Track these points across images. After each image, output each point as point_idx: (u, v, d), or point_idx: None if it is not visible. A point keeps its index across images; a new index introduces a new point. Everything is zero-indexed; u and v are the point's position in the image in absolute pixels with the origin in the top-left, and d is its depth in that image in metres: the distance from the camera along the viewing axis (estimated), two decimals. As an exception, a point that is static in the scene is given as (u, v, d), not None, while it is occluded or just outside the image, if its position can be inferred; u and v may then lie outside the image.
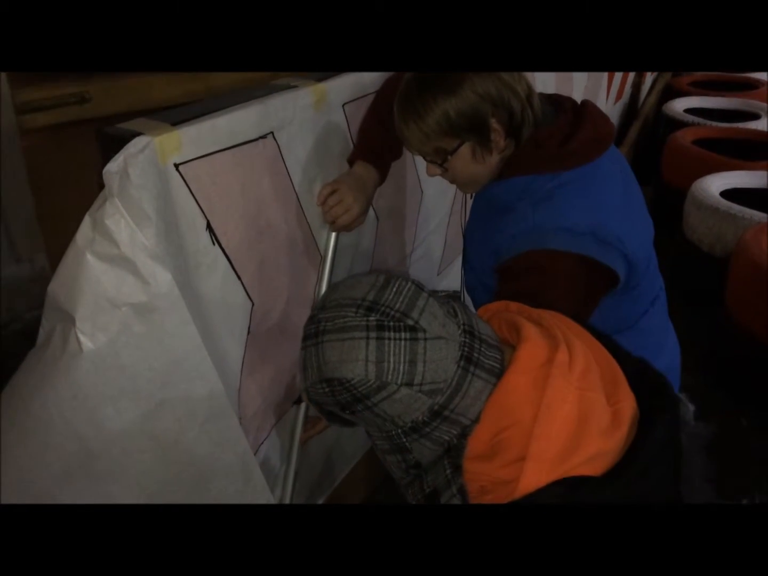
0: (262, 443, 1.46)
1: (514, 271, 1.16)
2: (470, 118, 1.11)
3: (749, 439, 2.49)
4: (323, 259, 1.43)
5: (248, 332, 1.29)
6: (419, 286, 0.86)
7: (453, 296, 0.92)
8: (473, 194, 1.38)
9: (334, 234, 1.41)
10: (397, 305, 0.82)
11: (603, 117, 1.23)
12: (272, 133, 1.22)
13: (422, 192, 1.92)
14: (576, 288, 1.14)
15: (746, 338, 2.61)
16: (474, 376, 0.83)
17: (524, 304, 1.00)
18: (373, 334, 0.80)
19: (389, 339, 0.80)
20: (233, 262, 1.19)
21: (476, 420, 0.84)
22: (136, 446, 1.08)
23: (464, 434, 0.84)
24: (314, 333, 0.84)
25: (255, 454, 1.39)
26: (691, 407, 1.62)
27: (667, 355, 1.43)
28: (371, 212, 1.64)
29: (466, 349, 0.83)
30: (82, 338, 0.96)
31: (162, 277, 0.98)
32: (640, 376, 0.89)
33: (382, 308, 0.82)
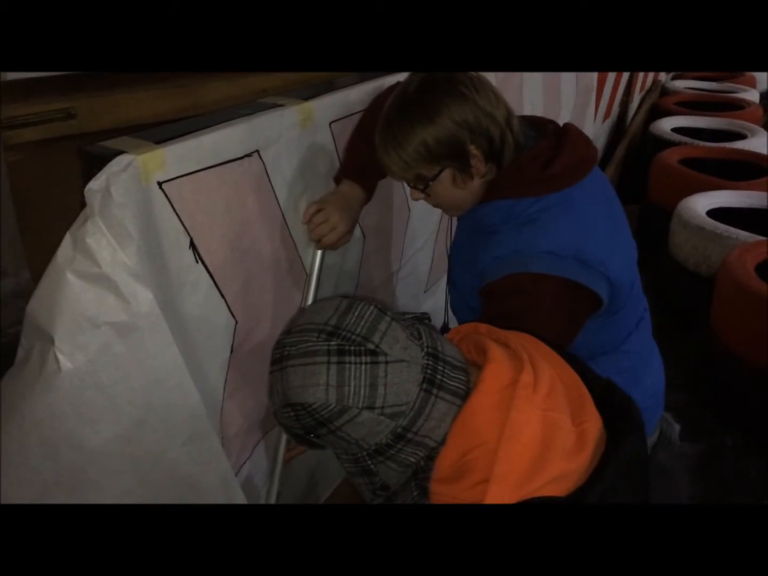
0: (245, 463, 1.45)
1: (498, 294, 1.17)
2: (449, 146, 1.12)
3: (735, 459, 2.49)
4: (308, 277, 1.43)
5: (231, 351, 1.29)
6: (382, 310, 0.87)
7: (420, 318, 0.93)
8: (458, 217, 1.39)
9: (319, 252, 1.40)
10: (358, 329, 0.83)
11: (585, 140, 1.24)
12: (258, 151, 1.22)
13: (410, 210, 1.93)
14: (559, 311, 1.14)
15: (731, 358, 2.62)
16: (437, 399, 0.84)
17: (507, 327, 1.01)
18: (334, 359, 0.81)
19: (350, 363, 0.81)
20: (217, 280, 1.18)
21: (442, 442, 0.84)
22: (115, 467, 1.06)
23: (431, 456, 0.85)
24: (279, 358, 0.86)
25: (237, 475, 1.38)
26: (677, 427, 1.62)
27: (651, 376, 1.43)
28: (358, 230, 1.64)
29: (428, 371, 0.84)
30: (60, 358, 0.95)
31: (143, 296, 0.97)
32: (607, 397, 0.90)
33: (344, 333, 0.83)
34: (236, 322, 1.27)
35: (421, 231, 2.06)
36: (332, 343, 0.82)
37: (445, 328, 1.57)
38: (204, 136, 1.09)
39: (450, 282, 1.45)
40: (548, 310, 1.13)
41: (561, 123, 1.26)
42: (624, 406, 0.88)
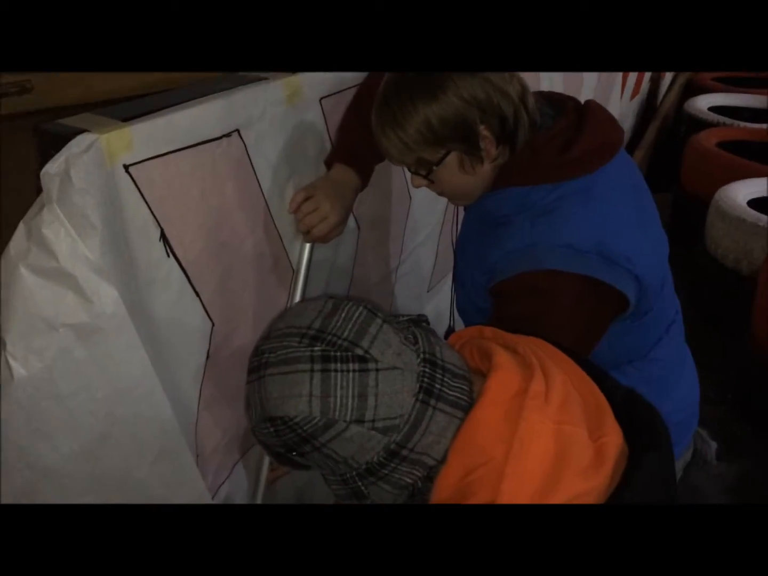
0: (222, 484, 1.45)
1: (510, 294, 1.17)
2: (455, 126, 1.12)
3: (778, 481, 2.50)
4: (295, 274, 1.43)
5: (207, 357, 1.29)
6: (372, 311, 0.88)
7: (416, 321, 0.93)
8: (465, 206, 1.39)
9: (308, 246, 1.41)
10: (346, 333, 0.84)
11: (610, 120, 1.24)
12: (238, 130, 1.22)
13: (410, 198, 1.93)
14: (580, 313, 1.14)
15: (775, 367, 2.63)
16: (436, 410, 0.84)
17: (520, 331, 1.01)
18: (318, 366, 0.81)
19: (336, 371, 0.81)
20: (191, 277, 1.18)
21: (442, 460, 0.85)
22: (75, 487, 1.06)
23: (430, 477, 0.85)
24: (257, 366, 0.86)
25: (214, 497, 1.38)
26: (713, 445, 1.62)
27: (684, 387, 1.44)
28: (351, 221, 1.64)
29: (425, 380, 0.84)
30: (13, 364, 0.95)
31: (107, 295, 0.97)
32: (628, 408, 0.90)
33: (329, 337, 0.83)
34: (213, 325, 1.27)
35: (423, 222, 2.07)
36: (316, 348, 0.82)
37: (450, 332, 1.58)
38: (177, 113, 1.09)
39: (456, 280, 1.45)
40: (567, 312, 1.13)
41: (583, 100, 1.26)
42: (647, 417, 0.89)
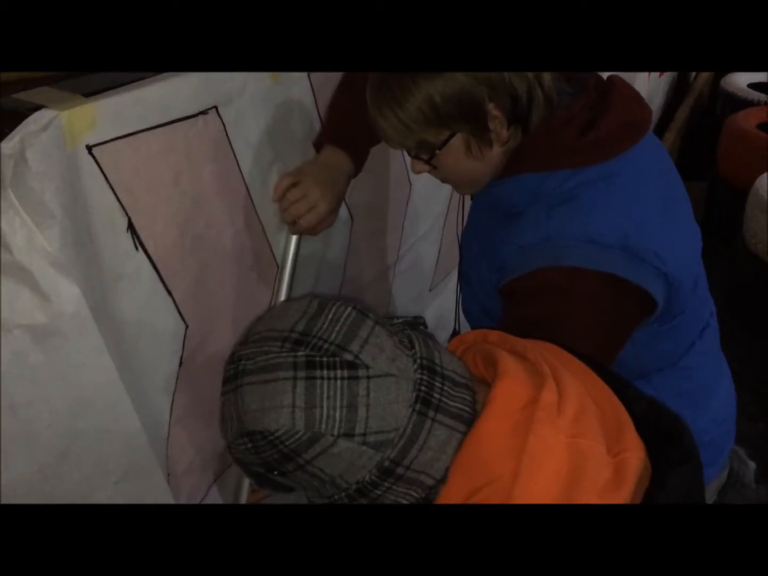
0: (197, 507, 1.45)
1: (523, 294, 1.18)
2: (461, 104, 1.12)
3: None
4: (280, 270, 1.44)
5: (180, 364, 1.29)
6: (362, 312, 0.88)
7: (412, 323, 0.94)
8: (472, 195, 1.40)
9: (294, 238, 1.41)
10: (333, 336, 0.84)
11: (636, 97, 1.24)
12: (216, 108, 1.23)
13: (411, 185, 1.94)
14: (601, 316, 1.15)
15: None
16: (435, 423, 0.84)
17: (534, 335, 1.01)
18: (301, 373, 0.81)
19: (322, 378, 0.81)
20: (162, 273, 1.19)
21: (442, 479, 0.85)
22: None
23: (428, 498, 0.85)
24: (233, 375, 0.86)
25: (186, 522, 1.39)
26: (752, 465, 1.62)
27: (719, 400, 1.45)
28: (344, 211, 1.65)
29: (423, 388, 0.85)
30: (-40, 370, 0.95)
31: (67, 292, 0.98)
32: (651, 420, 0.90)
33: (314, 341, 0.83)
34: (186, 327, 1.28)
35: (425, 213, 2.08)
36: (299, 353, 0.82)
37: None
38: (147, 87, 1.09)
39: (461, 278, 1.46)
40: (586, 314, 1.14)
41: (605, 76, 1.27)
42: (672, 430, 0.89)
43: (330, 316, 0.86)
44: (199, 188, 1.23)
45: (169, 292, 1.22)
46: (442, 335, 2.21)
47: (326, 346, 0.83)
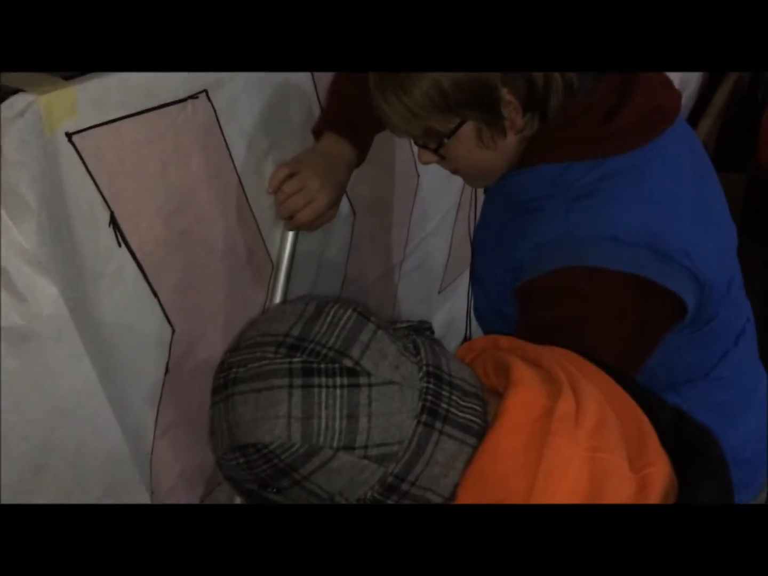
0: (183, 528, 1.46)
1: (540, 297, 1.19)
2: (471, 89, 1.12)
3: None
4: (276, 269, 1.44)
5: (166, 371, 1.31)
6: (363, 315, 0.88)
7: (418, 328, 0.94)
8: (484, 188, 1.41)
9: (291, 235, 1.42)
10: (332, 341, 0.84)
11: (665, 81, 1.25)
12: (206, 91, 1.24)
13: (418, 176, 1.95)
14: (626, 321, 1.16)
15: None
16: (442, 435, 0.85)
17: (551, 342, 1.02)
18: (297, 381, 0.82)
19: (320, 387, 0.81)
20: (147, 271, 1.20)
21: (450, 497, 0.85)
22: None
23: None
24: (223, 384, 0.86)
25: (171, 544, 1.40)
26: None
27: (755, 414, 1.44)
28: (345, 205, 1.66)
29: (429, 398, 0.85)
30: (-71, 376, 0.97)
31: (45, 293, 0.99)
32: (677, 432, 0.91)
33: (311, 346, 0.84)
34: (173, 331, 1.29)
35: (434, 207, 2.09)
36: (295, 359, 0.83)
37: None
38: (132, 69, 1.10)
39: (474, 279, 1.47)
40: (610, 319, 1.15)
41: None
42: (698, 441, 0.90)
43: (328, 320, 0.86)
44: (187, 179, 1.24)
45: (155, 293, 1.23)
46: (453, 342, 2.21)
47: (324, 351, 0.83)
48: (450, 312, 2.33)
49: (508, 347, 1.00)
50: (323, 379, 0.82)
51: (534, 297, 1.20)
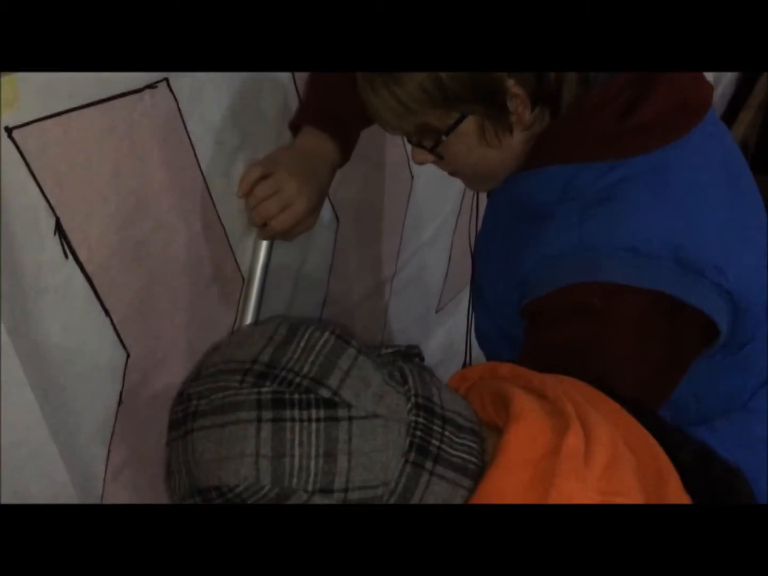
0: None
1: (550, 317, 1.20)
2: (473, 81, 1.14)
3: None
4: (247, 285, 1.45)
5: (119, 402, 1.31)
6: (342, 338, 0.89)
7: (405, 353, 0.95)
8: (487, 191, 1.42)
9: (265, 245, 1.42)
10: (306, 368, 0.84)
11: (692, 72, 1.25)
12: (167, 80, 1.24)
13: (413, 177, 1.96)
14: (648, 346, 1.17)
15: None
16: (433, 476, 0.85)
17: (562, 369, 1.03)
18: (267, 414, 0.82)
19: (292, 420, 0.82)
20: (98, 286, 1.20)
21: None
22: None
23: None
24: (181, 418, 0.87)
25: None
26: None
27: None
28: (327, 210, 1.67)
29: (418, 433, 0.85)
30: None
31: (-20, 311, 0.99)
32: (701, 472, 0.92)
33: (282, 373, 0.84)
34: (128, 355, 1.30)
35: (431, 212, 2.10)
36: (264, 389, 0.83)
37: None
38: (82, 55, 1.11)
39: (475, 296, 1.48)
40: (629, 343, 1.16)
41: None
42: (726, 483, 0.91)
43: (302, 344, 0.87)
44: (145, 181, 1.25)
45: (107, 312, 1.23)
46: (452, 368, 2.18)
47: (298, 380, 0.83)
48: (449, 333, 2.33)
49: (508, 376, 1.01)
50: (296, 412, 0.82)
51: (542, 317, 1.22)
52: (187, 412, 0.86)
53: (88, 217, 1.17)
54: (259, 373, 0.84)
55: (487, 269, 1.42)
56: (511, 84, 1.14)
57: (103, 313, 1.23)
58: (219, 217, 1.42)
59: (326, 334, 0.88)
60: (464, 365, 1.61)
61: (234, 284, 1.49)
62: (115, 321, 1.25)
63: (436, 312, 2.30)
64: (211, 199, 1.40)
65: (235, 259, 1.48)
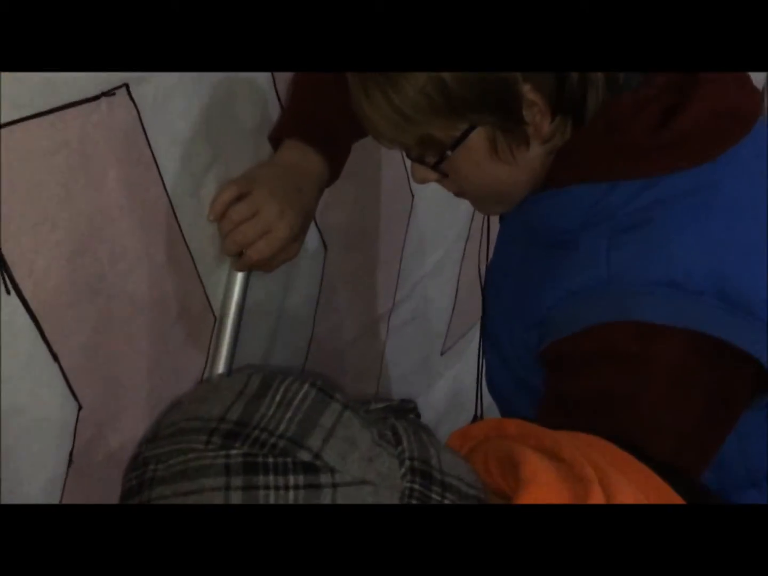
0: None
1: (575, 362, 1.20)
2: (483, 86, 1.13)
3: None
4: (219, 324, 1.45)
5: (69, 462, 1.31)
6: (325, 391, 0.88)
7: (398, 409, 0.94)
8: (500, 215, 1.41)
9: (240, 277, 1.42)
10: (282, 426, 0.83)
11: (738, 75, 1.26)
12: (126, 86, 1.24)
13: (413, 197, 1.97)
14: (688, 395, 1.16)
15: None
16: None
17: (592, 421, 1.03)
18: (237, 481, 0.81)
19: (267, 488, 0.80)
20: (45, 327, 1.20)
21: None
22: None
23: None
24: (137, 486, 0.85)
25: None
26: None
27: None
28: (313, 236, 1.67)
29: (414, 502, 0.85)
30: None
31: None
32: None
33: (255, 433, 0.83)
34: (80, 408, 1.29)
35: (434, 239, 2.10)
36: (234, 452, 0.82)
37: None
38: (27, 58, 1.11)
39: (486, 337, 1.48)
40: (667, 393, 1.15)
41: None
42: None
43: (278, 398, 0.86)
44: (100, 203, 1.24)
45: (55, 357, 1.22)
46: (459, 421, 2.20)
47: (273, 440, 0.82)
48: (456, 380, 2.33)
49: (516, 434, 1.00)
50: (271, 478, 0.81)
51: (565, 363, 1.21)
52: (143, 479, 0.85)
53: (33, 246, 1.16)
54: (227, 432, 0.83)
55: (500, 306, 1.41)
56: (527, 89, 1.14)
57: (50, 357, 1.22)
58: (187, 244, 1.41)
59: (306, 387, 0.87)
60: (475, 418, 1.60)
61: (204, 324, 1.49)
62: (64, 367, 1.25)
63: (441, 354, 2.30)
64: (178, 223, 1.39)
65: (206, 294, 1.48)
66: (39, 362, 1.21)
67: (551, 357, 1.23)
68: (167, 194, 1.36)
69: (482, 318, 1.49)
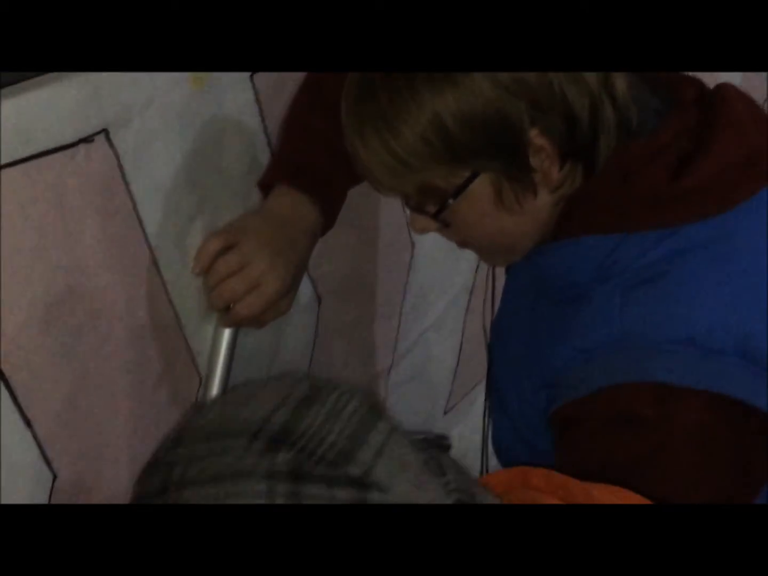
0: None
1: (588, 426, 1.20)
2: (487, 129, 1.15)
3: None
4: (205, 384, 1.46)
5: (43, 535, 1.30)
6: (375, 409, 0.86)
7: (434, 441, 0.94)
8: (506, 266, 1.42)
9: (228, 334, 1.43)
10: (332, 437, 0.81)
11: (758, 117, 1.27)
12: (106, 131, 1.25)
13: (413, 245, 1.97)
14: (710, 460, 1.17)
15: None
16: None
17: (608, 485, 1.03)
18: (282, 488, 0.79)
19: (313, 498, 0.78)
20: (17, 391, 1.20)
21: None
22: None
23: None
24: (160, 488, 0.83)
25: None
26: None
27: None
28: (307, 288, 1.68)
29: None
30: None
31: None
32: None
33: (302, 442, 0.80)
34: (54, 477, 1.29)
35: (436, 290, 2.11)
36: (278, 459, 0.79)
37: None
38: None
39: (492, 396, 1.49)
40: (687, 458, 1.16)
41: (712, 85, 1.29)
42: None
43: (327, 407, 0.83)
44: (77, 257, 1.25)
45: (28, 422, 1.22)
46: None
47: (321, 450, 0.80)
48: (460, 442, 2.31)
49: (543, 486, 1.00)
50: (318, 489, 0.79)
51: (578, 427, 1.21)
52: (169, 481, 0.82)
53: (6, 303, 1.16)
54: (272, 437, 0.81)
55: (507, 363, 1.42)
56: (534, 134, 1.16)
57: (23, 424, 1.22)
58: (170, 300, 1.42)
59: (355, 401, 0.85)
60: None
61: (188, 384, 1.49)
62: (38, 434, 1.25)
63: (445, 413, 2.30)
64: (161, 277, 1.39)
65: (191, 353, 1.48)
66: (10, 428, 1.21)
67: (563, 420, 1.23)
68: (149, 246, 1.37)
69: (488, 375, 1.49)
